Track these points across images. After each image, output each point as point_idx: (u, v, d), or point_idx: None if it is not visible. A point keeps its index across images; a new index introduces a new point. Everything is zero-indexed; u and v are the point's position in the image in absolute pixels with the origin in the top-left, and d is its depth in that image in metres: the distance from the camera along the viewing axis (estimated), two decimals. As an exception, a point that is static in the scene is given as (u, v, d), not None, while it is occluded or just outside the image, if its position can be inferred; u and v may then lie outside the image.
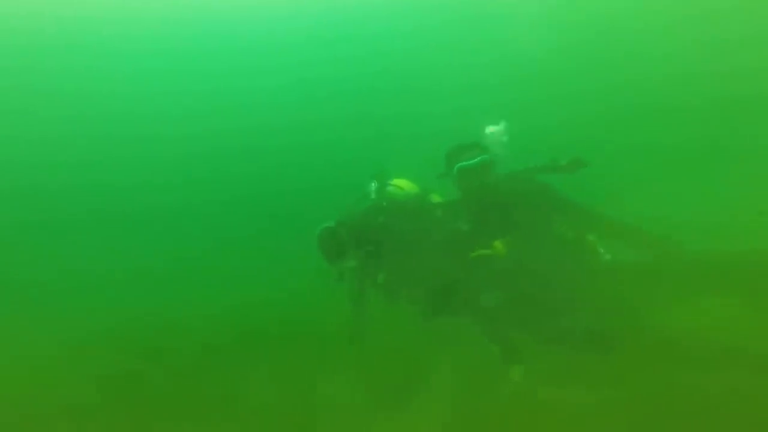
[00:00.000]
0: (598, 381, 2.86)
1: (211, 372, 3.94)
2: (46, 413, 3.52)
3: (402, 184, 3.58)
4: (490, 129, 3.50)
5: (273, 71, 11.79)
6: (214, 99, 11.20)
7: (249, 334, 4.41)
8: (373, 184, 3.54)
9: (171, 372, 3.95)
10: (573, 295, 2.91)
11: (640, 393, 2.68)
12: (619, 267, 2.99)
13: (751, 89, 7.41)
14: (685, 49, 8.67)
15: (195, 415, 3.42)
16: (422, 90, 10.20)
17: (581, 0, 9.90)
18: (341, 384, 3.55)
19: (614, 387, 2.79)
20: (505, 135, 3.48)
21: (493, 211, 3.19)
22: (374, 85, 10.63)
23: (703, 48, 8.55)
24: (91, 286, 6.36)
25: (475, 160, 3.25)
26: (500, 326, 3.00)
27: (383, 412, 3.21)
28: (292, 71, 11.52)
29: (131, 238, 8.09)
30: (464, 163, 3.27)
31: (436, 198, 3.65)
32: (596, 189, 4.01)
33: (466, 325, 3.16)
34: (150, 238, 8.14)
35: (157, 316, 5.05)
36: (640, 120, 8.00)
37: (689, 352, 2.67)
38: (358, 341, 3.39)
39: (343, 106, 10.34)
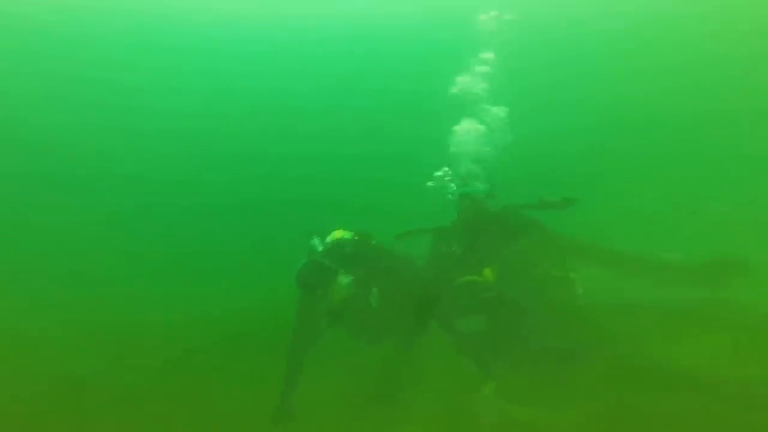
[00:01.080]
0: (562, 401, 3.11)
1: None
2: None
3: (339, 234, 3.61)
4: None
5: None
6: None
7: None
8: (315, 240, 3.54)
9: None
10: (545, 327, 3.16)
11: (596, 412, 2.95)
12: (591, 303, 3.23)
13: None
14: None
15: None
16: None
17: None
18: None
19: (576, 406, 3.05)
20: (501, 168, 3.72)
21: (485, 239, 3.41)
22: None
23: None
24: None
25: (474, 188, 3.49)
26: (477, 348, 3.26)
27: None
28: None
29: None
30: (466, 189, 3.50)
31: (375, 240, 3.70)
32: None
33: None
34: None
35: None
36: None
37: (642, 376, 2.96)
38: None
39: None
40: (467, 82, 4.68)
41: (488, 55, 5.02)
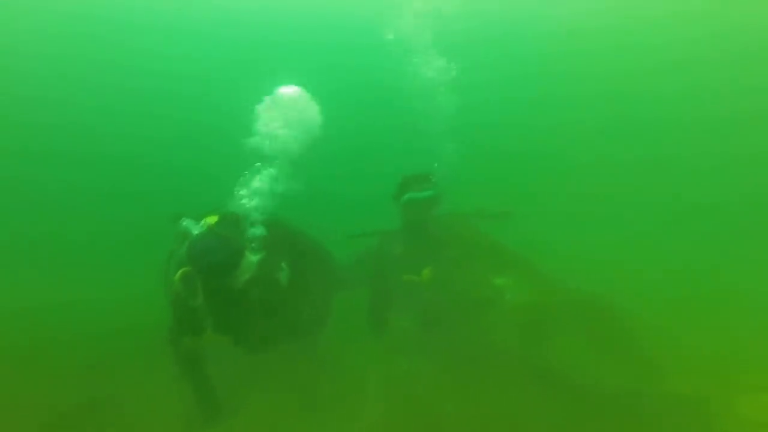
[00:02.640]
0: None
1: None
2: None
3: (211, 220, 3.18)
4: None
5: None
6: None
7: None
8: (187, 222, 3.04)
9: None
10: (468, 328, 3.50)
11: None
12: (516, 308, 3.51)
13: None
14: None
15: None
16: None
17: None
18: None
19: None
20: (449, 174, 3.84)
21: (426, 242, 3.67)
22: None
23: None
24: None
25: (425, 193, 3.58)
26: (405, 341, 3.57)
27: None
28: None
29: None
30: (414, 194, 3.59)
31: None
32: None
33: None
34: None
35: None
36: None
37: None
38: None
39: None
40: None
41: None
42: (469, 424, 2.98)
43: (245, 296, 2.86)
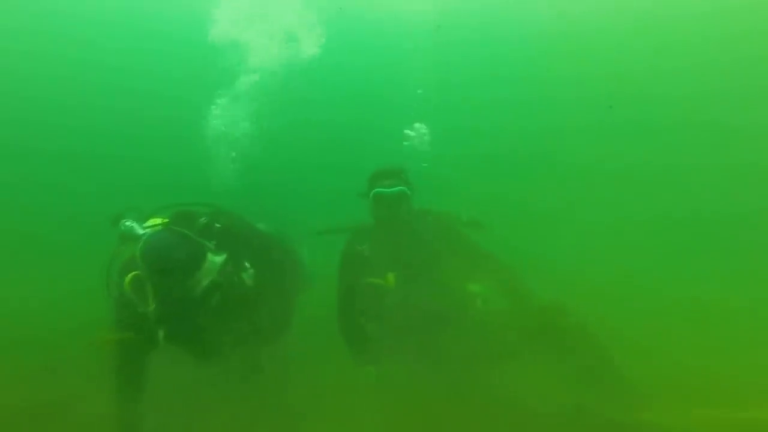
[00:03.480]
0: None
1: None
2: None
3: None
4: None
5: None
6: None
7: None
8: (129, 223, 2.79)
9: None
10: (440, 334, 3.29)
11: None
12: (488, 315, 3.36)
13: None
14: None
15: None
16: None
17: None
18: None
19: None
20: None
21: (394, 242, 3.50)
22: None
23: None
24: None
25: (393, 189, 3.44)
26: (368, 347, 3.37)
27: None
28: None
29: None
30: (382, 189, 3.45)
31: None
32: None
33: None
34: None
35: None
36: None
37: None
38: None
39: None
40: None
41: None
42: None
43: (207, 301, 2.60)
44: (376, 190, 3.47)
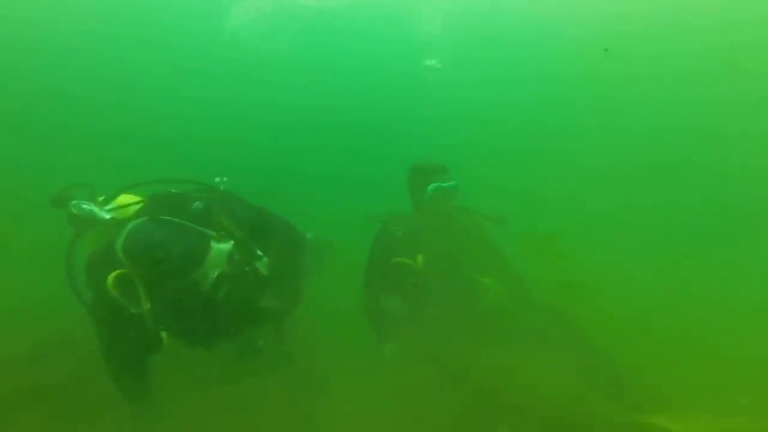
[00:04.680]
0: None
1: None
2: None
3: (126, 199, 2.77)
4: None
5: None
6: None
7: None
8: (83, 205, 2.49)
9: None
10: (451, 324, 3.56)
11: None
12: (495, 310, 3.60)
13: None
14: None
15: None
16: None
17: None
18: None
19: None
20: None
21: (431, 229, 3.74)
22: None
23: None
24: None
25: (449, 183, 3.74)
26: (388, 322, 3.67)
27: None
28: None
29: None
30: (440, 184, 3.73)
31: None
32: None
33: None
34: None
35: None
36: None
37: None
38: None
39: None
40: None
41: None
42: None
43: (216, 295, 2.33)
44: (436, 184, 3.74)
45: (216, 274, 2.30)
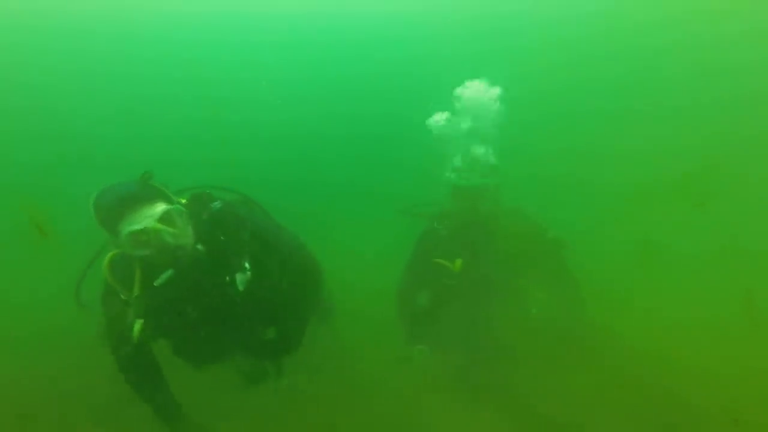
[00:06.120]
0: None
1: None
2: None
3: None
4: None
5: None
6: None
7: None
8: None
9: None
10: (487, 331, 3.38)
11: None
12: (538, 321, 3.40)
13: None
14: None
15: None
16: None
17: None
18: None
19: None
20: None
21: (472, 232, 3.45)
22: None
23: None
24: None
25: (473, 182, 3.40)
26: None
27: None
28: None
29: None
30: (460, 181, 3.41)
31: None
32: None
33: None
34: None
35: None
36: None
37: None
38: None
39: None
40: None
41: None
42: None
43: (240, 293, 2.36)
44: (454, 181, 3.46)
45: (141, 228, 2.09)
